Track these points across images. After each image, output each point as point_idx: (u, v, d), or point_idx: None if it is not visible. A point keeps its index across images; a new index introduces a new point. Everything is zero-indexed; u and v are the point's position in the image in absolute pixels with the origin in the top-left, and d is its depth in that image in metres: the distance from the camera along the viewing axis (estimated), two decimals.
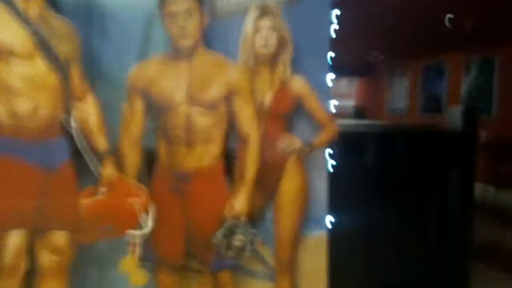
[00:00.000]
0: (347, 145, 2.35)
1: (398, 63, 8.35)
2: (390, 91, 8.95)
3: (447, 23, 4.60)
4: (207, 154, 1.73)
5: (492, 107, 6.14)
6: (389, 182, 2.74)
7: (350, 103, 9.95)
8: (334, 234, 1.99)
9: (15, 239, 1.54)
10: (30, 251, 1.61)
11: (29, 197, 1.54)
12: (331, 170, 1.96)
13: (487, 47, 6.09)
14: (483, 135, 5.41)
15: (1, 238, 1.52)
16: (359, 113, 9.04)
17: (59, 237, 1.62)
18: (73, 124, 1.61)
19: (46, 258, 1.62)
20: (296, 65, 1.85)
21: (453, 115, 2.98)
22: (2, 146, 1.52)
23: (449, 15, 4.49)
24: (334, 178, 1.99)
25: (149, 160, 1.75)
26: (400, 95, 8.57)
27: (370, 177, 2.66)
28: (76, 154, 1.62)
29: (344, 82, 10.04)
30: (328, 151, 1.95)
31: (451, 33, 5.03)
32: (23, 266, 1.57)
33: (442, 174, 2.92)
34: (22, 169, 1.52)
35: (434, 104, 7.41)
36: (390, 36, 6.06)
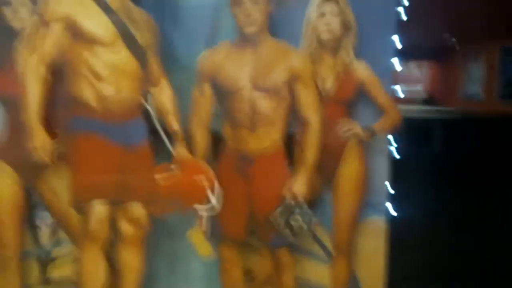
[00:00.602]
0: (414, 131, 2.31)
1: (473, 45, 7.79)
2: (463, 76, 8.40)
3: None
4: (269, 137, 1.81)
5: None
6: (458, 170, 2.65)
7: (420, 88, 9.49)
8: (396, 220, 1.99)
9: (99, 208, 1.71)
10: (112, 223, 1.80)
11: (111, 171, 1.72)
12: (396, 156, 1.95)
13: None
14: None
15: (87, 207, 1.72)
16: (429, 99, 8.61)
17: (137, 209, 1.79)
18: (150, 106, 1.77)
19: (125, 228, 1.80)
20: (360, 50, 1.85)
21: None
22: (91, 126, 1.70)
23: None
24: (399, 165, 1.98)
25: (215, 142, 1.87)
26: (474, 81, 8.02)
27: (437, 165, 2.59)
28: (152, 134, 1.78)
29: (414, 66, 9.58)
30: (391, 137, 1.94)
31: None
32: (106, 233, 1.75)
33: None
34: (106, 147, 1.70)
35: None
36: (463, 17, 5.68)
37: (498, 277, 2.77)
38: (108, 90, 1.68)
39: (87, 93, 1.68)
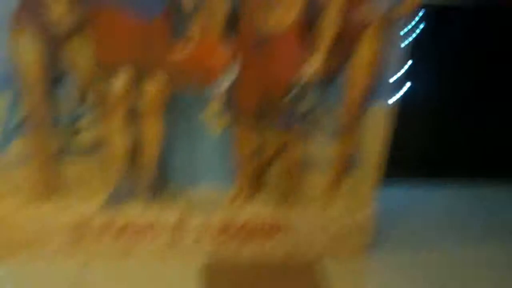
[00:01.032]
0: (431, 18, 2.26)
1: None
2: None
3: None
4: (288, 15, 1.79)
5: None
6: (472, 57, 2.63)
7: None
8: (406, 101, 2.07)
9: (121, 77, 1.81)
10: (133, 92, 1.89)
11: (131, 41, 1.77)
12: (410, 41, 1.95)
13: None
14: None
15: (112, 71, 1.80)
16: None
17: (157, 78, 1.87)
18: None
19: (147, 97, 1.90)
20: None
21: None
22: None
23: None
24: (415, 50, 1.99)
25: (234, 17, 1.86)
26: None
27: (452, 51, 2.57)
28: (171, 7, 1.77)
29: None
30: (410, 21, 1.92)
31: None
32: (129, 99, 1.88)
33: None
34: (123, 17, 1.72)
35: None
36: None
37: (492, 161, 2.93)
38: None
39: None
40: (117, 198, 2.09)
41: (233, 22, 1.88)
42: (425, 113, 2.64)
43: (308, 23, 1.84)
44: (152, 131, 1.98)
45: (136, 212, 2.13)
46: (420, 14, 1.91)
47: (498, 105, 2.83)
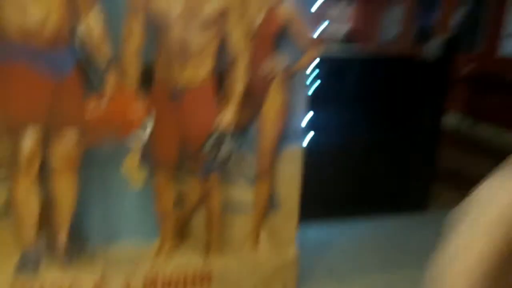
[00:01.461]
0: (331, 68, 2.54)
1: None
2: (384, 18, 8.86)
3: None
4: (200, 70, 1.91)
5: (478, 41, 6.23)
6: (366, 104, 2.99)
7: (346, 27, 9.85)
8: (312, 148, 2.26)
9: (30, 136, 1.74)
10: (43, 151, 1.83)
11: (39, 101, 1.73)
12: (311, 91, 2.18)
13: None
14: (467, 68, 5.58)
15: (17, 137, 1.74)
16: (350, 38, 9.02)
17: (69, 136, 1.84)
18: (79, 34, 1.76)
19: (58, 156, 1.85)
20: None
21: (431, 46, 3.14)
22: (13, 53, 1.67)
23: None
24: (317, 98, 2.21)
25: (148, 72, 1.93)
26: (394, 23, 8.51)
27: (349, 99, 2.90)
28: (83, 63, 1.79)
29: (341, 6, 9.84)
30: (310, 73, 2.14)
31: None
32: (37, 162, 1.80)
33: (414, 101, 3.17)
34: (33, 77, 1.69)
35: (424, 34, 7.44)
36: None
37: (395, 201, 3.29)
38: (34, 14, 1.63)
39: (11, 17, 1.63)
40: (30, 262, 1.94)
41: (147, 77, 1.94)
42: (331, 158, 2.90)
43: (219, 77, 1.97)
44: (65, 189, 1.91)
45: (52, 276, 1.98)
46: (318, 65, 2.14)
47: (392, 146, 3.20)
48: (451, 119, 5.47)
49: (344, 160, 2.97)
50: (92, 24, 1.79)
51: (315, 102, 2.20)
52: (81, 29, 1.77)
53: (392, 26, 8.49)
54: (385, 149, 3.14)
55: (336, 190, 2.99)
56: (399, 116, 3.15)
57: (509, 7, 5.88)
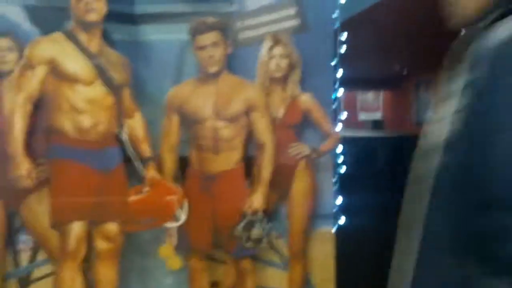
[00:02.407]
0: (359, 151, 2.66)
1: (423, 75, 8.47)
2: (415, 102, 9.08)
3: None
4: (230, 160, 2.09)
5: None
6: (394, 185, 3.01)
7: (377, 114, 10.13)
8: (345, 230, 2.28)
9: (77, 228, 1.92)
10: (88, 239, 2.00)
11: (89, 194, 1.94)
12: (341, 172, 2.27)
13: None
14: None
15: (65, 228, 1.92)
16: (378, 124, 9.22)
17: (112, 227, 2.00)
18: (124, 135, 2.02)
19: (101, 245, 2.00)
20: (305, 83, 2.19)
21: None
22: (69, 153, 1.93)
23: None
24: (347, 181, 2.29)
25: (183, 164, 2.13)
26: (426, 106, 8.69)
27: (380, 180, 2.94)
28: (127, 160, 2.02)
29: (370, 95, 10.26)
30: (337, 155, 2.26)
31: None
32: (83, 251, 1.96)
33: None
34: (84, 172, 1.93)
35: None
36: (411, 49, 6.26)
37: None
38: (86, 122, 1.92)
39: (67, 124, 1.91)
40: None
41: (183, 167, 2.14)
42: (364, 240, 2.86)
43: (249, 162, 2.13)
44: (107, 275, 2.03)
45: None
46: (347, 148, 2.26)
47: None
48: None
49: (378, 242, 2.91)
50: (134, 126, 2.07)
51: (346, 184, 2.28)
52: (126, 130, 2.03)
53: (425, 110, 8.66)
54: None
55: (371, 272, 2.88)
56: None
57: None
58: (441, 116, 0.70)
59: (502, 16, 0.68)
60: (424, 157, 0.73)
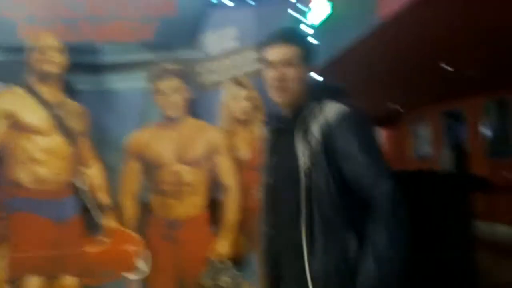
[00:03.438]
0: None
1: (416, 112, 8.44)
2: (412, 138, 9.01)
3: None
4: (194, 205, 2.03)
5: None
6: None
7: None
8: None
9: (32, 284, 1.84)
10: None
11: (45, 247, 1.87)
12: None
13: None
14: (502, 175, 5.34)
15: (21, 283, 1.83)
16: None
17: (70, 282, 1.92)
18: (82, 185, 1.97)
19: None
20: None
21: (444, 158, 3.14)
22: (26, 205, 1.88)
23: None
24: None
25: (145, 211, 2.06)
26: (424, 142, 8.59)
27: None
28: (83, 209, 1.96)
29: None
30: None
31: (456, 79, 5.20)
32: None
33: (440, 212, 3.01)
34: (41, 224, 1.87)
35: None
36: (403, 86, 6.28)
37: None
38: (43, 172, 1.89)
39: (24, 176, 1.88)
40: None
41: (144, 214, 2.07)
42: None
43: (216, 207, 2.06)
44: None
45: None
46: None
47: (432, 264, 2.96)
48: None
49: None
50: (93, 175, 2.02)
51: None
52: (83, 179, 1.99)
53: (424, 145, 8.54)
54: (427, 268, 2.90)
55: None
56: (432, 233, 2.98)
57: None
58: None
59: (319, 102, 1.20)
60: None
